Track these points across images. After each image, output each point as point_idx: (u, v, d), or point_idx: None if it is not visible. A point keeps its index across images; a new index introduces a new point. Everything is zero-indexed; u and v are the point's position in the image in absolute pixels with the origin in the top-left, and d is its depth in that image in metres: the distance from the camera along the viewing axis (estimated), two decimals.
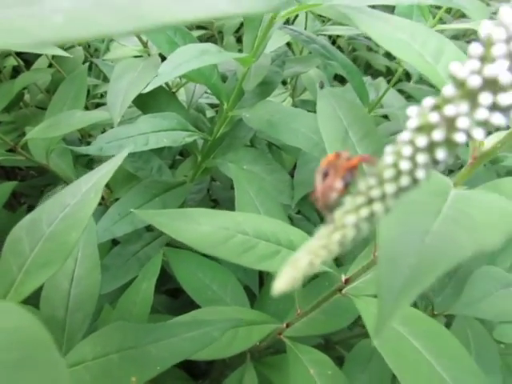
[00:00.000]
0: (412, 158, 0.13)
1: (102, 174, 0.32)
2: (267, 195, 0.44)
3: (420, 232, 0.15)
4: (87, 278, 0.43)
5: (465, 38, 1.25)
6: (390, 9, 0.61)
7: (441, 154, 0.12)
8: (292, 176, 0.60)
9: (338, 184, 0.15)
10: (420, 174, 0.13)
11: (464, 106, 0.12)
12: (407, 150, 0.13)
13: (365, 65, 1.44)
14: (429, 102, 0.13)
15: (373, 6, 0.38)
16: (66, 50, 0.95)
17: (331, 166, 0.15)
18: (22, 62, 0.87)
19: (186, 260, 0.54)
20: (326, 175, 0.16)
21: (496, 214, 0.16)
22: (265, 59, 0.52)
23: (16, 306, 0.20)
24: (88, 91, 0.99)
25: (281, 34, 0.73)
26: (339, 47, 1.20)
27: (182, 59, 0.33)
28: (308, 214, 0.73)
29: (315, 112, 0.80)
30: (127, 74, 0.51)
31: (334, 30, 0.89)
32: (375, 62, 1.30)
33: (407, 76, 0.99)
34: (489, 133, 0.24)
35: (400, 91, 1.03)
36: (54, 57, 0.92)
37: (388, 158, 0.13)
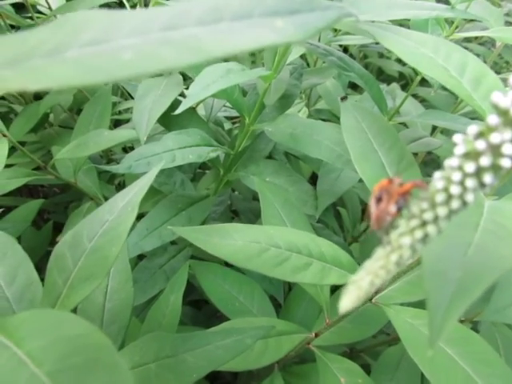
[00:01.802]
0: (461, 183, 0.14)
1: (137, 190, 0.34)
2: (292, 207, 0.45)
3: (463, 245, 0.16)
4: (120, 291, 0.44)
5: (477, 40, 1.25)
6: (405, 20, 0.62)
7: (488, 178, 0.13)
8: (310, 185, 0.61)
9: (392, 208, 0.16)
10: (469, 197, 0.14)
11: (508, 134, 0.13)
12: (457, 176, 0.14)
13: (377, 71, 1.45)
14: (473, 129, 0.13)
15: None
16: None
17: (385, 191, 0.16)
18: None
19: (212, 272, 0.55)
20: (379, 200, 0.16)
21: None
22: (284, 73, 0.53)
23: (74, 316, 0.21)
24: None
25: (297, 46, 0.75)
26: (351, 55, 1.21)
27: (209, 80, 0.35)
28: (329, 222, 0.74)
29: (331, 121, 0.81)
30: (151, 93, 0.53)
31: (347, 40, 0.90)
32: (387, 68, 1.31)
33: (421, 80, 0.99)
34: None
35: (414, 96, 1.03)
36: None
37: (438, 183, 0.14)
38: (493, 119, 0.13)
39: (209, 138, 0.52)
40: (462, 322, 0.54)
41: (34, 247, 0.81)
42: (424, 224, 0.15)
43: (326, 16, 0.15)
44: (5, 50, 0.14)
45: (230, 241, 0.30)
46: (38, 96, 0.85)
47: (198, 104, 0.69)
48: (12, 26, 0.96)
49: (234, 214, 0.94)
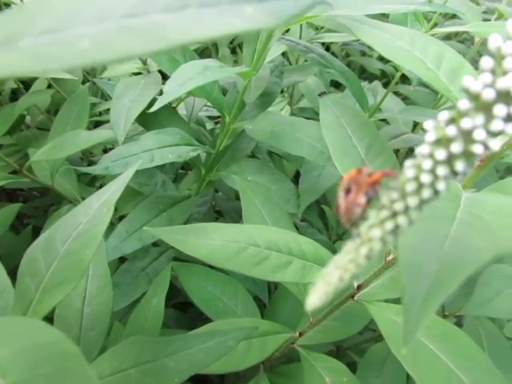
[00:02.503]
0: (433, 171, 0.13)
1: (113, 190, 0.33)
2: (274, 205, 0.44)
3: (439, 238, 0.15)
4: (99, 295, 0.43)
5: (457, 37, 1.27)
6: (384, 16, 0.62)
7: (460, 165, 0.13)
8: (294, 184, 0.60)
9: (362, 199, 0.16)
10: (441, 185, 0.13)
11: (480, 119, 0.12)
12: (427, 164, 0.13)
13: (359, 69, 1.45)
14: (444, 115, 0.13)
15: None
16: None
17: (353, 181, 0.16)
18: (20, 85, 0.88)
19: (194, 273, 0.55)
20: (348, 191, 0.16)
21: (509, 216, 0.16)
22: (264, 71, 0.53)
23: (43, 323, 0.20)
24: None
25: (277, 44, 0.74)
26: (333, 53, 1.21)
27: (186, 77, 0.34)
28: (312, 220, 0.74)
29: (314, 119, 0.80)
30: (129, 92, 0.52)
31: (329, 38, 0.90)
32: (369, 66, 1.32)
33: (402, 78, 1.00)
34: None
35: (396, 93, 1.04)
36: (52, 78, 0.93)
37: (409, 171, 0.14)
38: (464, 104, 0.13)
39: (189, 137, 0.51)
40: (445, 316, 0.54)
41: (12, 252, 0.79)
42: (394, 215, 0.14)
43: (299, 3, 0.14)
44: None
45: (209, 240, 0.29)
46: (16, 98, 0.83)
47: (178, 103, 0.68)
48: None
49: (218, 215, 0.94)
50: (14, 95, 0.92)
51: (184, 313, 0.77)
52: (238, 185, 0.45)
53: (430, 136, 0.13)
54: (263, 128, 0.46)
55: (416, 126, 0.83)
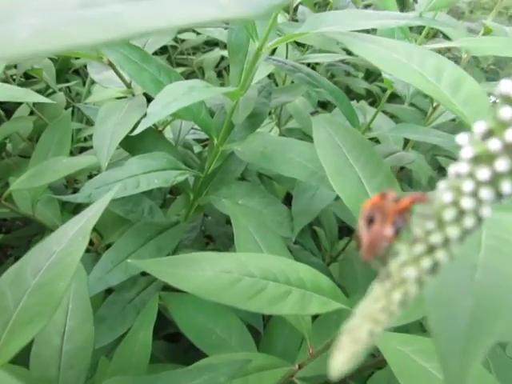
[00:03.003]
0: (474, 194, 0.11)
1: (89, 217, 0.31)
2: (267, 229, 0.42)
3: (467, 268, 0.13)
4: (80, 331, 0.40)
5: (445, 54, 1.28)
6: (373, 32, 0.61)
7: (507, 185, 0.11)
8: (285, 206, 0.58)
9: (389, 231, 0.13)
10: (485, 211, 0.11)
11: None
12: (468, 185, 0.11)
13: (345, 90, 1.46)
14: (481, 127, 0.11)
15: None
16: (46, 96, 0.94)
17: (377, 209, 0.14)
18: (2, 112, 0.85)
19: (184, 304, 0.52)
20: (371, 221, 0.14)
21: None
22: (252, 91, 0.51)
23: (4, 373, 0.18)
24: (72, 136, 0.98)
25: (264, 65, 0.73)
26: None
27: (170, 97, 0.32)
28: (305, 242, 0.71)
29: (303, 140, 0.79)
30: (112, 116, 0.50)
31: (314, 58, 0.90)
32: (355, 86, 1.32)
33: (389, 97, 1.00)
34: None
35: (383, 112, 1.04)
36: (35, 104, 0.91)
37: (445, 195, 0.12)
38: (506, 112, 0.11)
39: (176, 161, 0.49)
40: None
41: None
42: (432, 249, 0.12)
43: None
44: None
45: (199, 272, 0.27)
46: None
47: (164, 127, 0.66)
48: None
49: (208, 240, 0.91)
50: None
51: (175, 344, 0.74)
52: (228, 209, 0.43)
53: (467, 152, 0.11)
54: (253, 149, 0.44)
55: (406, 145, 0.82)
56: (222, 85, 1.15)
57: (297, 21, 1.10)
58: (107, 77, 0.63)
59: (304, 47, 1.04)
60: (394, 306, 0.12)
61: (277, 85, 0.95)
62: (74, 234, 0.29)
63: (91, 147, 0.86)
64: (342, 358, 0.12)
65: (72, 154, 0.94)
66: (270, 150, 0.44)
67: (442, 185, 0.12)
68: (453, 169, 0.11)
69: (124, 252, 0.49)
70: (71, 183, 0.86)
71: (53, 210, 0.65)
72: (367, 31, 0.74)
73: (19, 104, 0.92)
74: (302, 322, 0.39)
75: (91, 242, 0.80)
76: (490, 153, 0.11)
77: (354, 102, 0.77)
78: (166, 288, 0.62)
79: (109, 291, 0.62)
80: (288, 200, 0.76)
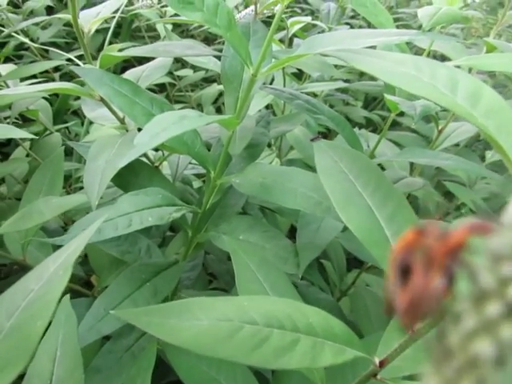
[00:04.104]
0: None
1: (71, 250, 0.28)
2: (270, 266, 0.39)
3: None
4: (68, 380, 0.36)
5: None
6: None
7: None
8: (289, 239, 0.55)
9: (438, 282, 0.09)
10: None
11: None
12: None
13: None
14: None
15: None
16: (43, 137, 0.93)
17: (415, 251, 0.09)
18: None
19: (185, 351, 0.47)
20: (407, 270, 0.10)
21: None
22: (249, 121, 0.49)
23: None
24: (70, 176, 0.96)
25: (262, 95, 0.72)
26: None
27: (159, 127, 0.30)
28: (312, 278, 0.68)
29: (305, 170, 0.76)
30: (104, 153, 0.48)
31: (312, 88, 0.89)
32: (354, 115, 1.32)
33: (391, 124, 0.99)
34: None
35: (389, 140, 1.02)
36: (31, 146, 0.89)
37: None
38: None
39: (172, 197, 0.46)
40: None
41: None
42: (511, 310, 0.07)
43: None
44: None
45: (193, 321, 0.23)
46: None
47: (160, 162, 0.64)
48: None
49: (212, 277, 0.87)
50: None
51: None
52: (228, 245, 0.40)
53: None
54: (252, 180, 0.42)
55: (413, 171, 0.79)
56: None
57: None
58: (101, 114, 0.62)
59: (301, 79, 1.03)
60: None
61: (275, 115, 0.94)
62: (54, 269, 0.27)
63: None
64: None
65: (68, 193, 0.92)
66: (269, 181, 0.41)
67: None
68: None
69: (118, 297, 0.46)
70: (68, 224, 0.84)
71: (46, 254, 0.62)
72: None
73: (15, 146, 0.91)
74: (315, 370, 0.35)
75: (90, 285, 0.76)
76: None
77: (355, 129, 0.75)
78: None
79: (106, 338, 0.59)
80: (292, 233, 0.73)
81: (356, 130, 0.74)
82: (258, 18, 0.60)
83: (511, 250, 0.08)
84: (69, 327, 0.39)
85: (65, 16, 0.51)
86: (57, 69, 1.27)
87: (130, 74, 0.58)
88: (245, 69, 0.44)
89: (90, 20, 0.49)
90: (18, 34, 1.10)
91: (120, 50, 0.54)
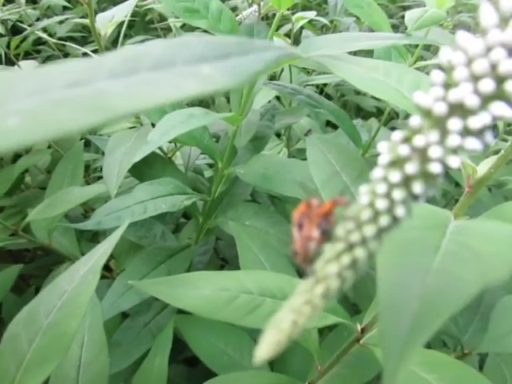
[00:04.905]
0: (388, 196, 0.12)
1: (100, 254, 0.31)
2: (271, 249, 0.43)
3: (420, 271, 0.14)
4: (95, 363, 0.41)
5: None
6: (371, 54, 0.63)
7: (418, 187, 0.12)
8: None
9: (315, 233, 0.14)
10: (399, 211, 0.12)
11: (434, 135, 0.11)
12: (382, 188, 0.12)
13: (355, 108, 1.47)
14: (398, 135, 0.12)
15: (354, 53, 0.39)
16: None
17: (304, 215, 0.15)
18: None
19: (196, 326, 0.52)
20: (301, 227, 0.15)
21: (501, 242, 0.15)
22: (254, 115, 0.53)
23: None
24: (88, 166, 1.02)
25: (268, 89, 0.75)
26: (327, 95, 1.23)
27: (169, 125, 0.34)
28: None
29: None
30: (121, 146, 0.52)
31: (320, 79, 0.92)
32: (365, 105, 1.33)
33: (398, 114, 1.01)
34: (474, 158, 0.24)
35: (393, 129, 1.04)
36: None
37: (363, 198, 0.13)
38: (415, 120, 0.12)
39: (183, 186, 0.51)
40: (465, 355, 0.51)
41: (15, 314, 0.77)
42: (351, 247, 0.13)
43: (263, 58, 0.13)
44: None
45: (196, 290, 0.28)
46: (17, 160, 0.84)
47: (173, 154, 0.68)
48: None
49: (223, 262, 0.92)
50: (16, 157, 0.94)
51: (194, 368, 0.74)
52: (233, 230, 0.44)
53: (384, 158, 0.12)
54: (255, 171, 0.46)
55: None
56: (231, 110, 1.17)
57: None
58: None
59: (310, 70, 1.06)
60: (317, 299, 0.13)
61: (284, 106, 0.97)
62: (84, 272, 0.30)
63: None
64: (267, 346, 0.13)
65: (89, 183, 0.97)
66: (271, 172, 0.45)
67: (363, 189, 0.13)
68: (372, 174, 0.12)
69: (136, 276, 0.51)
70: (89, 212, 0.89)
71: (69, 239, 0.68)
72: (367, 52, 0.75)
73: None
74: (309, 339, 0.39)
75: (109, 268, 0.82)
76: (401, 157, 0.12)
77: (359, 121, 0.78)
78: (181, 311, 0.63)
79: (125, 316, 0.64)
80: None
81: (359, 121, 0.77)
82: (263, 13, 0.64)
83: (353, 215, 0.12)
84: (94, 316, 0.43)
85: (83, 21, 0.55)
86: (68, 54, 1.31)
87: None
88: None
89: (105, 23, 0.53)
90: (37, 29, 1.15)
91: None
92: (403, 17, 0.44)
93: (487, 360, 0.53)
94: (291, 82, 0.91)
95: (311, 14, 0.76)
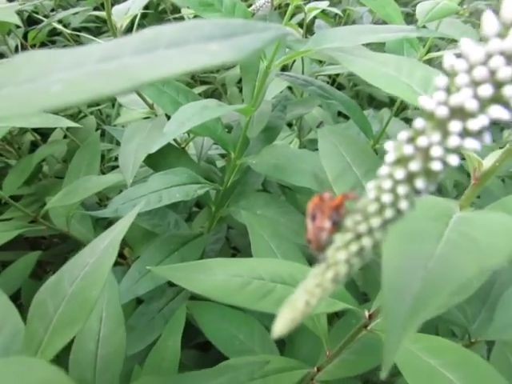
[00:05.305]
0: (393, 191, 0.13)
1: (117, 231, 0.33)
2: (282, 238, 0.44)
3: (423, 258, 0.15)
4: (113, 337, 0.43)
5: None
6: (382, 46, 0.63)
7: (420, 183, 0.13)
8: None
9: (327, 224, 0.15)
10: (403, 204, 0.13)
11: (436, 136, 0.12)
12: (387, 184, 0.13)
13: (368, 97, 1.46)
14: (403, 135, 0.13)
15: (366, 44, 0.39)
16: (78, 120, 1.00)
17: (317, 208, 0.16)
18: (38, 137, 0.91)
19: (209, 312, 0.54)
20: (314, 218, 0.16)
21: (499, 233, 0.16)
22: (266, 106, 0.54)
23: (41, 361, 0.20)
24: (103, 156, 1.03)
25: (280, 80, 0.76)
26: (340, 84, 1.23)
27: (184, 117, 0.35)
28: None
29: None
30: (136, 136, 0.54)
31: (331, 70, 0.92)
32: (377, 94, 1.33)
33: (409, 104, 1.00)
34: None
35: (405, 119, 1.04)
36: (68, 128, 0.97)
37: (370, 192, 0.14)
38: (419, 123, 0.13)
39: (196, 175, 0.52)
40: (472, 343, 0.52)
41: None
42: (359, 237, 0.14)
43: (262, 37, 0.15)
44: None
45: (211, 276, 0.29)
46: (34, 150, 0.87)
47: (186, 144, 0.69)
48: None
49: (235, 251, 0.93)
50: (33, 147, 0.97)
51: (205, 353, 0.76)
52: (245, 219, 0.45)
53: (390, 156, 0.13)
54: (266, 161, 0.47)
55: None
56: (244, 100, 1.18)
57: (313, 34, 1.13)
58: (132, 99, 0.68)
59: (322, 60, 1.06)
60: (327, 283, 0.14)
61: (296, 96, 0.97)
62: (104, 246, 0.33)
63: None
64: (283, 322, 0.14)
65: (104, 173, 0.99)
66: (282, 162, 0.46)
67: (370, 185, 0.14)
68: (379, 171, 0.14)
69: (150, 263, 0.52)
70: (103, 200, 0.91)
71: (86, 226, 0.70)
72: (378, 44, 0.75)
73: (53, 128, 0.98)
74: (318, 325, 0.40)
75: (123, 256, 0.84)
76: (405, 156, 0.13)
77: (371, 111, 0.78)
78: (193, 297, 0.64)
79: (139, 302, 0.66)
80: None
81: (371, 111, 0.77)
82: (276, 4, 0.64)
83: (362, 208, 0.13)
84: (112, 292, 0.45)
85: (99, 13, 0.56)
86: (82, 44, 1.32)
87: None
88: (261, 60, 0.49)
89: (121, 16, 0.54)
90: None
91: None
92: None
93: (493, 349, 0.54)
94: (303, 72, 0.91)
95: (324, 4, 0.76)
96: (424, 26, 0.43)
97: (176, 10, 1.59)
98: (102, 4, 0.53)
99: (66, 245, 0.95)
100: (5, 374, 0.20)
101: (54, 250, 1.00)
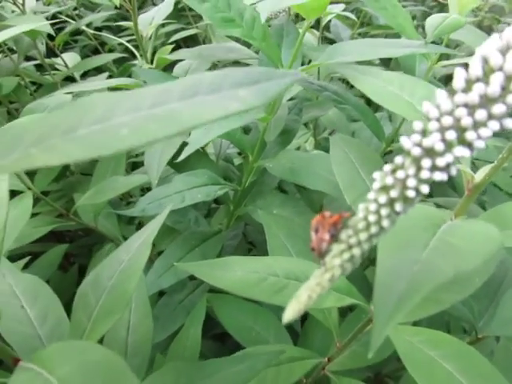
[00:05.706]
0: (377, 212, 0.17)
1: (149, 231, 0.37)
2: (297, 237, 0.47)
3: (410, 262, 0.18)
4: (141, 326, 0.47)
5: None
6: None
7: (399, 207, 0.16)
8: None
9: (326, 236, 0.19)
10: (385, 223, 0.17)
11: (411, 170, 0.15)
12: (373, 206, 0.17)
13: None
14: (387, 167, 0.16)
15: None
16: None
17: (319, 223, 0.20)
18: None
19: (227, 304, 0.58)
20: (317, 231, 0.20)
21: (478, 240, 0.19)
22: (282, 111, 0.57)
23: (95, 344, 0.24)
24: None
25: (295, 84, 0.79)
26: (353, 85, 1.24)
27: (208, 126, 0.38)
28: None
29: None
30: None
31: None
32: None
33: None
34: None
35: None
36: None
37: (360, 213, 0.17)
38: (399, 159, 0.16)
39: (216, 177, 0.55)
40: (478, 339, 0.54)
41: (61, 290, 0.85)
42: (350, 247, 0.18)
43: (282, 83, 0.18)
44: (32, 129, 0.17)
45: (231, 272, 0.33)
46: None
47: (206, 144, 0.73)
48: (33, 83, 1.04)
49: (251, 246, 0.97)
50: None
51: (222, 343, 0.79)
52: (261, 219, 0.49)
53: (376, 185, 0.17)
54: (283, 165, 0.50)
55: None
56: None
57: (326, 38, 1.15)
58: None
59: None
60: (325, 282, 0.18)
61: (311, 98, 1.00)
62: (138, 245, 0.36)
63: (141, 162, 0.96)
64: (291, 311, 0.18)
65: (125, 169, 1.03)
66: (297, 166, 0.49)
67: (361, 206, 0.17)
68: (368, 195, 0.17)
69: (173, 259, 0.56)
70: (126, 197, 0.95)
71: (112, 222, 0.74)
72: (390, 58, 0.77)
73: None
74: (329, 318, 0.43)
75: None
76: (387, 185, 0.16)
77: (384, 114, 0.81)
78: (212, 290, 0.68)
79: (161, 294, 0.70)
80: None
81: (384, 113, 0.79)
82: (293, 13, 0.67)
83: (354, 225, 0.16)
84: (139, 285, 0.49)
85: (127, 23, 0.60)
86: (104, 43, 1.35)
87: (179, 68, 0.67)
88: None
89: (146, 25, 0.58)
90: (74, 19, 1.21)
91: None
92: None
93: (498, 344, 0.56)
94: (319, 72, 0.93)
95: (339, 9, 0.78)
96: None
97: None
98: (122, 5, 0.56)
99: (90, 238, 1.00)
100: (65, 355, 0.23)
101: (79, 242, 1.05)
